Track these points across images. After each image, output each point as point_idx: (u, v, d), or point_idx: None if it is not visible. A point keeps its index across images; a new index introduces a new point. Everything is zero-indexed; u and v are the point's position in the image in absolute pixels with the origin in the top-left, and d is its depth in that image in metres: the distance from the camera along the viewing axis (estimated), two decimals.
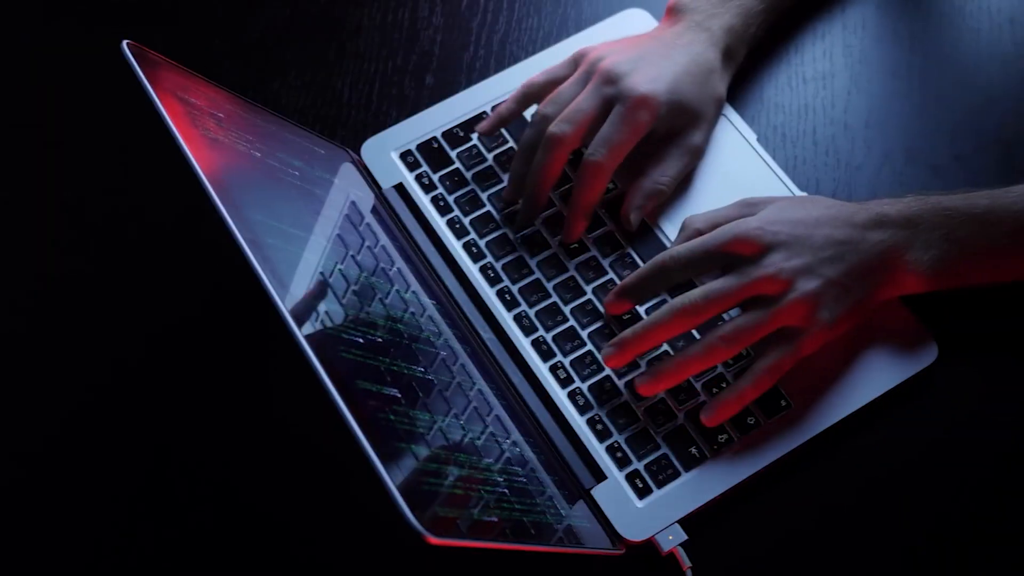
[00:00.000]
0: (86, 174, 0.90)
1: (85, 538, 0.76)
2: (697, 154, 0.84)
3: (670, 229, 0.84)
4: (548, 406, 0.78)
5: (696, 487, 0.74)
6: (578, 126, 0.80)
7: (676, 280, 0.77)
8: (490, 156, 0.87)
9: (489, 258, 0.83)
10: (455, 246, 0.84)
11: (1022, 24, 0.90)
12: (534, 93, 0.85)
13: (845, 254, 0.74)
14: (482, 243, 0.84)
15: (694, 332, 0.78)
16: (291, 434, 0.78)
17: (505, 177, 0.87)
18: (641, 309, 0.80)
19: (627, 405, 0.77)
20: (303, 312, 0.65)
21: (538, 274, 0.83)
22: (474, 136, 0.88)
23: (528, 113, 0.87)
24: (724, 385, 0.77)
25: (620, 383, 0.78)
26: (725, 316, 0.78)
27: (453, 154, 0.88)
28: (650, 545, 0.73)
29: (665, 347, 0.78)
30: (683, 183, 0.85)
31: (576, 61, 0.85)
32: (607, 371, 0.78)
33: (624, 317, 0.80)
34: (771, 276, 0.73)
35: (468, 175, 0.87)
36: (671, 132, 0.83)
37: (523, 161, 0.83)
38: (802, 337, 0.73)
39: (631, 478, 0.75)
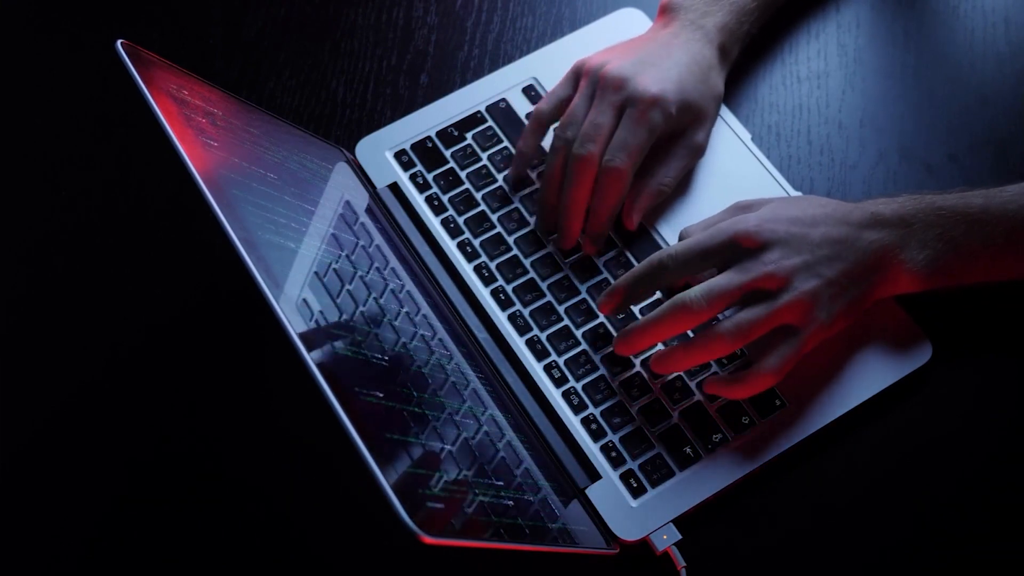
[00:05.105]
0: (80, 172, 0.90)
1: (76, 535, 0.76)
2: (699, 152, 0.84)
3: (665, 229, 0.84)
4: (542, 405, 0.78)
5: (690, 487, 0.74)
6: (600, 141, 0.80)
7: (672, 279, 0.76)
8: (484, 156, 0.87)
9: (483, 258, 0.83)
10: (449, 246, 0.84)
11: (1016, 24, 0.90)
12: (545, 121, 0.84)
13: (842, 252, 0.74)
14: (476, 243, 0.84)
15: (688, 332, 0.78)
16: (286, 434, 0.78)
17: (500, 176, 0.86)
18: (635, 310, 0.80)
19: (621, 404, 0.77)
20: (297, 312, 0.65)
21: (532, 274, 0.83)
22: (468, 135, 0.88)
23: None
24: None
25: (615, 383, 0.78)
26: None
27: (447, 153, 0.88)
28: (644, 545, 0.73)
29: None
30: (678, 183, 0.85)
31: (576, 75, 0.85)
32: (602, 371, 0.78)
33: (619, 317, 0.80)
34: (770, 273, 0.73)
35: (462, 175, 0.87)
36: (675, 131, 0.83)
37: (554, 190, 0.82)
38: (802, 335, 0.73)
39: (625, 478, 0.75)
